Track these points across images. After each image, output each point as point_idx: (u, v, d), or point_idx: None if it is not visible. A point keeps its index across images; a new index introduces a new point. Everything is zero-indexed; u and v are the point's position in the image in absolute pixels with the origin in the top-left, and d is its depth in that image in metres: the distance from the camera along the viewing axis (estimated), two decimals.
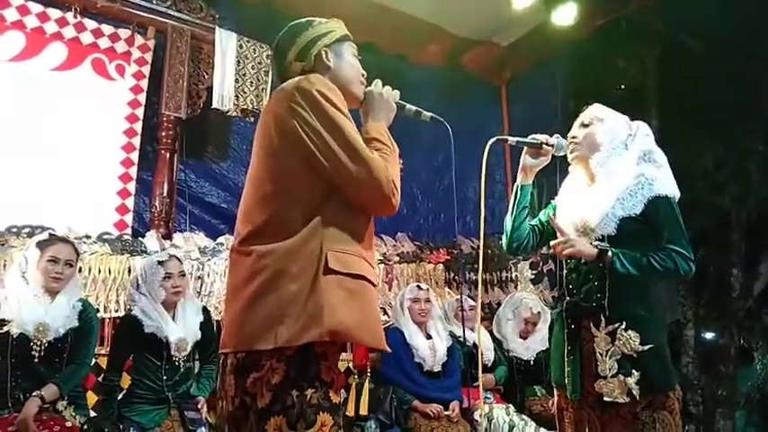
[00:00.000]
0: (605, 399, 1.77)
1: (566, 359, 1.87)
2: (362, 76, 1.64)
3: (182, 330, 2.79)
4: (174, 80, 3.81)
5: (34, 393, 2.45)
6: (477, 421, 3.50)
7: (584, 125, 1.97)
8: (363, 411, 3.40)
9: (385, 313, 4.22)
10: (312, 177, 1.43)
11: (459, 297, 4.18)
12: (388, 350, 1.54)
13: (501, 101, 5.41)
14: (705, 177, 5.51)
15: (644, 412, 1.75)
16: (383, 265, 4.44)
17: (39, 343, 2.54)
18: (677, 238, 1.82)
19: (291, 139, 1.43)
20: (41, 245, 2.61)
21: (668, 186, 1.87)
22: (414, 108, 1.70)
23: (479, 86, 5.36)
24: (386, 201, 1.45)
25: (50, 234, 2.68)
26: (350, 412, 3.41)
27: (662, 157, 1.94)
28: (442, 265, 4.68)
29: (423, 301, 3.72)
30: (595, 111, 2.00)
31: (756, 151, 5.49)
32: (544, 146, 1.96)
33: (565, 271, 1.97)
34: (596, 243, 1.85)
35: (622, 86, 5.78)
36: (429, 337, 3.69)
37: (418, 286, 3.83)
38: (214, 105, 3.88)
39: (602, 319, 1.81)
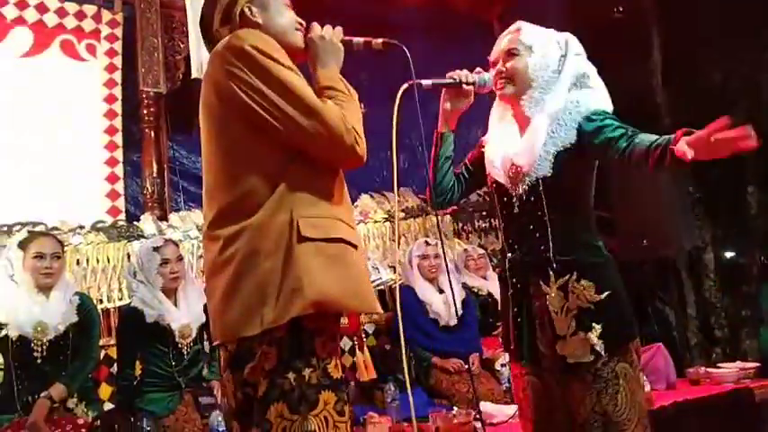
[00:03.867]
0: (569, 360, 1.57)
1: (512, 322, 1.68)
2: (299, 24, 1.49)
3: (185, 316, 2.71)
4: (148, 54, 3.63)
5: (42, 394, 2.41)
6: (499, 371, 3.45)
7: (512, 53, 1.71)
8: (364, 377, 3.35)
9: (395, 272, 4.14)
10: (267, 143, 1.31)
11: (467, 248, 4.08)
12: (380, 311, 1.46)
13: (494, 37, 5.16)
14: (715, 94, 5.28)
15: (605, 368, 1.55)
16: (388, 222, 4.33)
17: (39, 343, 2.49)
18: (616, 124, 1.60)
19: (235, 106, 1.30)
20: (23, 244, 2.52)
21: (599, 103, 1.65)
22: (362, 40, 1.52)
23: (470, 24, 5.11)
24: (350, 151, 1.33)
25: (29, 231, 2.60)
26: (362, 377, 3.37)
27: (596, 80, 1.71)
28: (449, 216, 4.55)
29: (432, 257, 3.64)
30: (522, 35, 1.72)
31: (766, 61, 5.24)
32: (464, 85, 1.73)
33: (502, 225, 1.75)
34: None
35: (620, 9, 5.49)
36: (441, 291, 3.61)
37: (426, 242, 3.73)
38: (194, 75, 3.69)
39: (551, 273, 1.61)
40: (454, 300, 3.30)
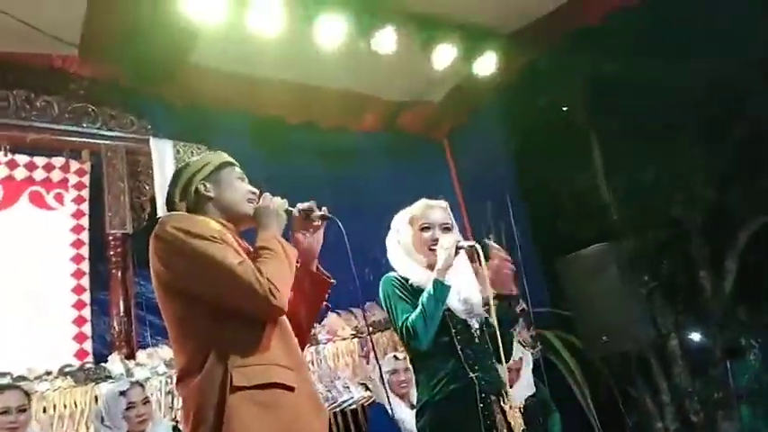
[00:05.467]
0: None
1: None
2: (252, 193, 1.71)
3: None
4: (114, 198, 3.81)
5: None
6: None
7: (447, 228, 2.16)
8: None
9: (367, 389, 4.16)
10: (198, 309, 1.48)
11: None
12: None
13: (445, 154, 5.53)
14: (653, 191, 5.65)
15: None
16: (357, 339, 4.40)
17: None
18: None
19: (166, 284, 1.51)
20: None
21: None
22: (300, 212, 1.72)
23: (421, 144, 5.48)
24: (263, 302, 1.44)
25: None
26: None
27: None
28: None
29: (402, 372, 3.65)
30: (448, 212, 2.22)
31: (695, 157, 5.66)
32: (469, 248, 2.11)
33: (459, 346, 2.02)
34: None
35: (564, 108, 5.94)
36: (413, 407, 3.62)
37: (395, 357, 3.77)
38: (159, 215, 3.87)
39: (505, 393, 1.97)
40: None
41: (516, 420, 1.95)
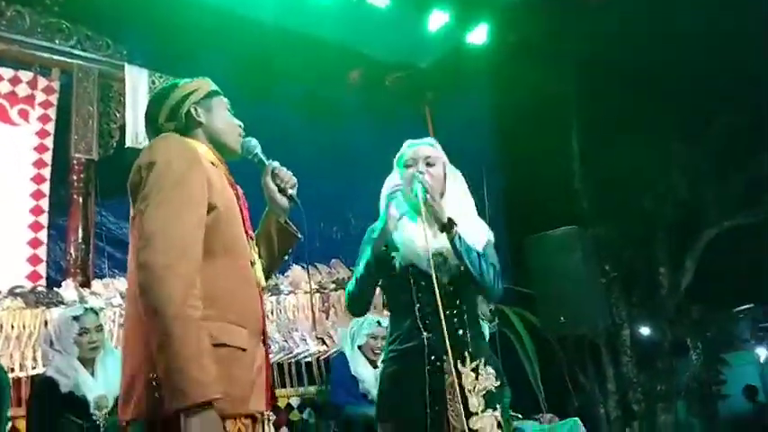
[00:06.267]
0: None
1: (430, 396, 1.86)
2: (239, 127, 1.67)
3: (102, 387, 2.62)
4: (83, 121, 3.66)
5: None
6: None
7: (430, 163, 2.01)
8: None
9: (323, 343, 4.14)
10: None
11: None
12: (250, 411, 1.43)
13: (425, 121, 5.48)
14: (628, 181, 5.71)
15: None
16: (319, 294, 4.36)
17: None
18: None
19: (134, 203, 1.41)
20: None
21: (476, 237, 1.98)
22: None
23: (403, 108, 5.41)
24: (148, 285, 1.28)
25: None
26: None
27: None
28: (379, 287, 4.63)
29: (380, 339, 3.44)
30: (437, 148, 2.07)
31: (675, 152, 5.73)
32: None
33: (417, 305, 1.93)
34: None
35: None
36: (376, 367, 3.57)
37: (378, 322, 3.65)
38: (128, 144, 3.74)
39: (467, 355, 1.87)
40: None
41: (476, 386, 1.85)
